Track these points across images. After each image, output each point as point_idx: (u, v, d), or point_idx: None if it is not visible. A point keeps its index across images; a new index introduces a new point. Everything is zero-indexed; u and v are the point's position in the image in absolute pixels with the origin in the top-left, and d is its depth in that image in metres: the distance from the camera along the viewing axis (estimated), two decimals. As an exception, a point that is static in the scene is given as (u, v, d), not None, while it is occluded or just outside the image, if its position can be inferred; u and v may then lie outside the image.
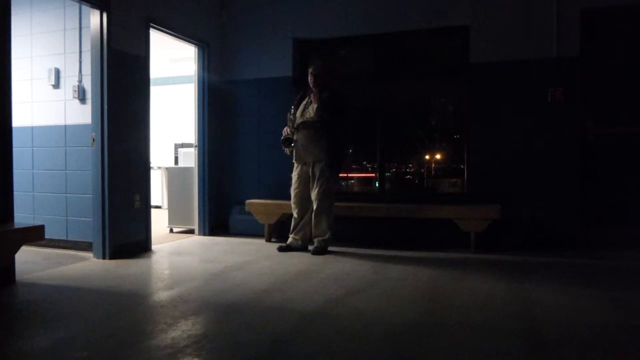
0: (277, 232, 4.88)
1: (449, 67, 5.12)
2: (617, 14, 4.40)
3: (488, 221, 4.23)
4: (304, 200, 4.34)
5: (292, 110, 4.34)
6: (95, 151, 4.04)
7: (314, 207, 4.27)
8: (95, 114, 4.02)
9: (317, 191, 4.23)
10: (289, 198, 4.48)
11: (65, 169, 4.42)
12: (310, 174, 4.27)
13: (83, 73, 4.34)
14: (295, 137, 4.27)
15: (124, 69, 4.15)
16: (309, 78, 4.32)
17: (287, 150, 4.35)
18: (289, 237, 4.43)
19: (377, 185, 5.21)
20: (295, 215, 4.38)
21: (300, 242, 4.38)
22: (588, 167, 4.42)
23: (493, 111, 4.63)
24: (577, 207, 4.38)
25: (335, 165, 4.28)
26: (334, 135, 4.23)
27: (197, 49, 5.25)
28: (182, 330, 2.33)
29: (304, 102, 4.34)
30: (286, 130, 4.30)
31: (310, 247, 4.30)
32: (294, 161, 4.38)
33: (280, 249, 4.35)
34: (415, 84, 5.44)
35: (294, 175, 4.38)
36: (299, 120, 4.28)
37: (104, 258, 4.00)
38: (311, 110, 4.23)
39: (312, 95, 4.31)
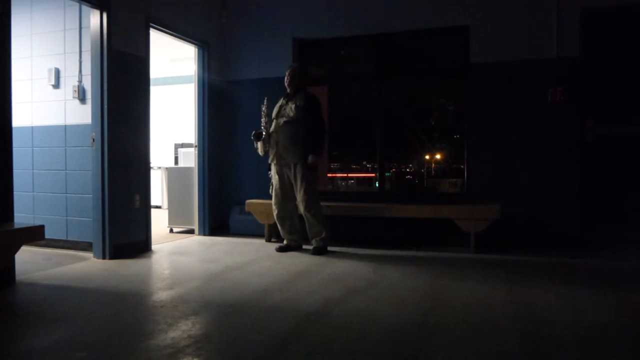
0: (277, 232, 4.87)
1: (449, 67, 5.12)
2: (617, 14, 4.40)
3: (488, 221, 4.23)
4: (285, 201, 4.34)
5: (266, 104, 4.33)
6: (95, 151, 4.04)
7: (302, 208, 4.27)
8: (95, 114, 4.03)
9: (303, 192, 4.23)
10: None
11: (65, 169, 4.42)
12: (292, 175, 4.26)
13: (83, 73, 4.34)
14: (271, 133, 4.27)
15: (124, 69, 4.15)
16: (285, 79, 4.34)
17: (259, 149, 4.36)
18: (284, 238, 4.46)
19: (377, 185, 5.21)
20: (276, 216, 4.40)
21: (297, 241, 4.40)
22: (588, 167, 4.42)
23: (493, 111, 4.62)
24: (577, 207, 4.38)
25: (313, 165, 4.25)
26: (309, 135, 4.24)
27: (197, 49, 5.25)
28: (182, 330, 2.33)
29: (280, 103, 4.35)
30: (252, 136, 4.35)
31: (308, 247, 4.31)
32: (272, 162, 4.34)
33: (280, 249, 4.36)
34: (415, 84, 5.44)
35: (274, 175, 4.36)
36: (279, 120, 4.26)
37: (104, 258, 4.00)
38: (289, 111, 4.24)
39: (287, 96, 4.35)
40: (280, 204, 4.36)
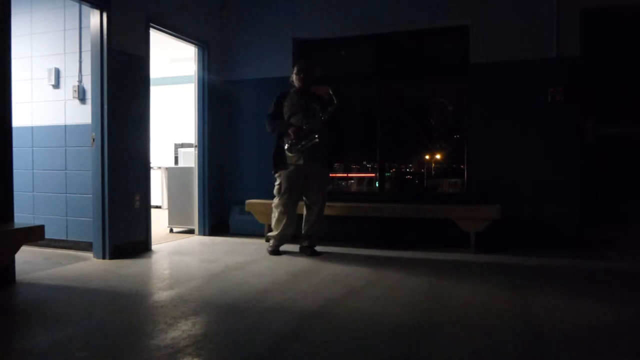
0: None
1: (449, 67, 5.12)
2: (617, 14, 4.40)
3: (488, 221, 4.23)
4: (295, 202, 4.20)
5: (274, 108, 4.19)
6: (95, 151, 4.04)
7: (318, 208, 4.20)
8: (95, 114, 4.03)
9: (321, 194, 4.21)
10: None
11: (65, 169, 4.42)
12: (312, 175, 4.14)
13: (83, 73, 4.34)
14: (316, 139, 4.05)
15: (124, 69, 4.15)
16: (297, 77, 4.18)
17: (291, 152, 4.08)
18: (276, 240, 4.26)
19: (377, 185, 5.21)
20: (281, 212, 4.17)
21: (287, 240, 4.30)
22: (588, 167, 4.42)
23: (493, 111, 4.63)
24: (577, 207, 4.38)
25: (332, 168, 4.36)
26: (333, 138, 4.21)
27: (197, 49, 5.25)
28: (182, 330, 2.33)
29: (291, 100, 4.16)
30: (293, 134, 4.03)
31: (303, 245, 4.26)
32: (297, 163, 4.09)
33: (274, 253, 4.21)
34: (415, 84, 5.44)
35: (287, 177, 4.12)
36: (297, 120, 4.10)
37: (104, 258, 4.00)
38: (314, 114, 4.11)
39: (302, 95, 4.19)
40: (291, 204, 4.16)
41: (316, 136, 4.03)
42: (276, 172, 4.20)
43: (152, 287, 3.25)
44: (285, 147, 4.09)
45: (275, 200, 4.23)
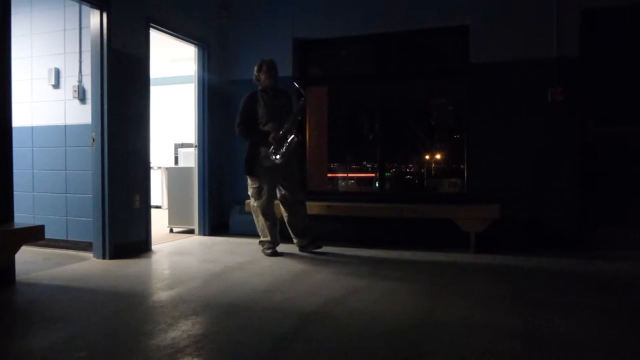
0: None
1: (449, 67, 5.12)
2: (617, 14, 4.40)
3: (488, 221, 4.22)
4: (273, 205, 4.21)
5: (246, 115, 4.14)
6: (95, 151, 4.04)
7: (301, 206, 4.23)
8: (95, 114, 4.03)
9: (302, 193, 4.26)
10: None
11: (65, 169, 4.42)
12: (287, 177, 4.16)
13: (83, 73, 4.34)
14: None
15: (124, 69, 4.15)
16: (266, 75, 4.13)
17: (277, 158, 4.04)
18: (270, 244, 4.22)
19: (377, 185, 5.21)
20: (273, 225, 4.20)
21: (278, 242, 4.27)
22: (588, 167, 4.42)
23: (493, 111, 4.62)
24: (577, 207, 4.38)
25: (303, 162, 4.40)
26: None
27: (197, 49, 5.25)
28: (182, 330, 2.33)
29: (264, 102, 4.13)
30: (274, 141, 4.03)
31: (302, 244, 4.28)
32: (271, 163, 4.05)
33: (273, 254, 4.16)
34: (415, 84, 5.45)
35: (267, 178, 4.11)
36: (278, 123, 4.06)
37: (104, 258, 4.00)
38: (285, 113, 4.12)
39: (272, 94, 4.17)
40: (271, 205, 4.19)
41: (294, 132, 4.08)
42: (251, 174, 4.17)
43: (152, 287, 3.25)
44: (273, 157, 4.04)
45: (255, 203, 4.20)
